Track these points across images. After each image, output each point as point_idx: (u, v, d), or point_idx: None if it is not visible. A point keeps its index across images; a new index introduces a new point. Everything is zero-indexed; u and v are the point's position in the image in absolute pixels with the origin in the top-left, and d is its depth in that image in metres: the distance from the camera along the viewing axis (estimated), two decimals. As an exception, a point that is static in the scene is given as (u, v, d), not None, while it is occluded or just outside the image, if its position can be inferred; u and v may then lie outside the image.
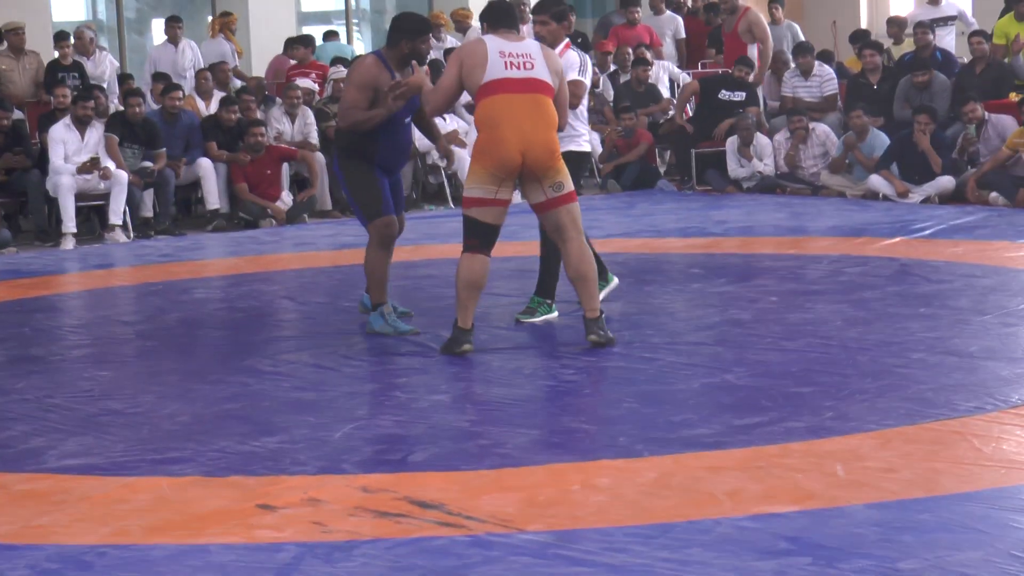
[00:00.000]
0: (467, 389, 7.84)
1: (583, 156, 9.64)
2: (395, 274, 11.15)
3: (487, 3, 9.04)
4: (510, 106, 8.41)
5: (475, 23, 19.12)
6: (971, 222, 13.22)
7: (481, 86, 8.44)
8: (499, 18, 8.79)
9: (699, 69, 19.42)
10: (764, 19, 18.16)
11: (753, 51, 17.71)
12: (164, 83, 16.32)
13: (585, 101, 9.48)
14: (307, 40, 18.38)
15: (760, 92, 17.66)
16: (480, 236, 8.47)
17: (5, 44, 16.80)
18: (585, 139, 9.59)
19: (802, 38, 19.74)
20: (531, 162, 8.41)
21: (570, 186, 8.59)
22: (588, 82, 9.47)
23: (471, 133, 16.28)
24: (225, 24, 19.24)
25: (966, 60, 17.12)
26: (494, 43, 8.54)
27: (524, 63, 8.48)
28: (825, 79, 17.22)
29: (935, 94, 15.84)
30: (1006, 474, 5.83)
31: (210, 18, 19.61)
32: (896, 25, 18.97)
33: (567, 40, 9.43)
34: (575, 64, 9.33)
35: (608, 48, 19.20)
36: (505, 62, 8.46)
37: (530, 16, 18.59)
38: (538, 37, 9.25)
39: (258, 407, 7.51)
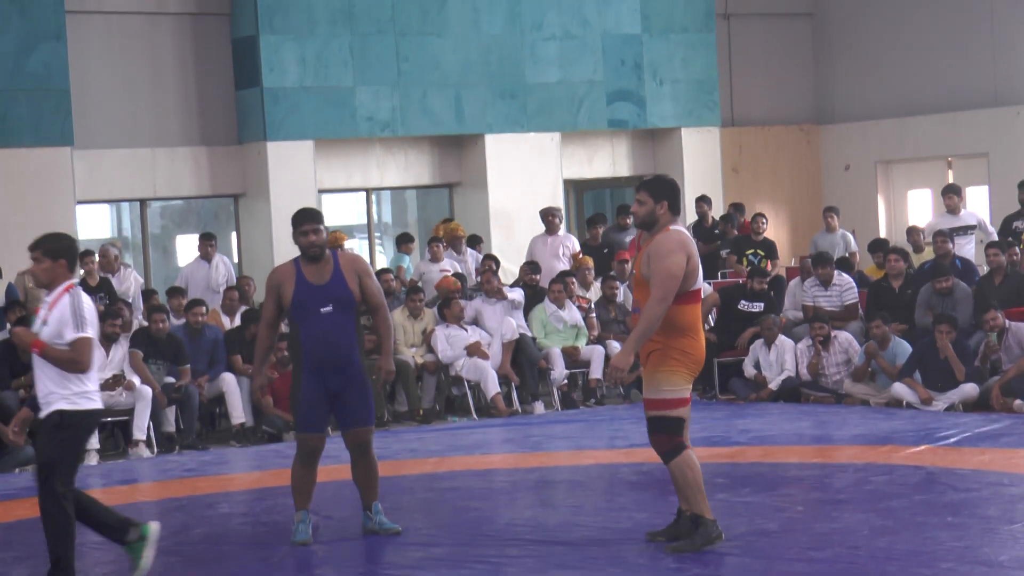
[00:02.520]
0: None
1: (95, 415, 8.52)
2: (419, 486, 11.16)
3: (657, 178, 8.88)
4: (698, 313, 8.77)
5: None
6: (997, 430, 13.16)
7: (691, 292, 8.68)
8: (677, 201, 8.79)
9: (719, 279, 19.48)
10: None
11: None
12: (182, 297, 16.46)
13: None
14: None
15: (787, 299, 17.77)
16: (683, 431, 8.69)
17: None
18: (96, 393, 8.43)
19: (854, 247, 19.82)
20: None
21: None
22: (94, 335, 8.14)
23: (494, 344, 16.33)
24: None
25: (987, 269, 17.18)
26: (693, 245, 8.74)
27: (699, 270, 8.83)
28: (845, 288, 17.23)
29: (957, 302, 15.89)
30: None
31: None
32: (916, 234, 19.01)
33: (68, 283, 8.28)
34: (69, 319, 8.10)
35: (626, 257, 19.29)
36: (699, 269, 8.77)
37: (559, 225, 18.91)
38: (32, 274, 8.62)
39: (283, 623, 7.47)
